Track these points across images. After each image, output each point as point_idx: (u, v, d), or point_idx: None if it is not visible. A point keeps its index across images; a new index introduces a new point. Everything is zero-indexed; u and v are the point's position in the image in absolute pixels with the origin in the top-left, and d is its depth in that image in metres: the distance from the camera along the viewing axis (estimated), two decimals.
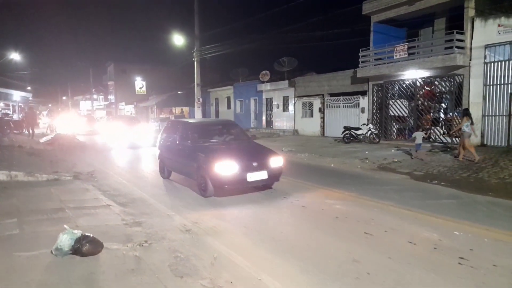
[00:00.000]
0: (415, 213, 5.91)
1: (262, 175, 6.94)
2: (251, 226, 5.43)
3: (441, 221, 5.49)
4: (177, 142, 8.35)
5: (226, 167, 6.65)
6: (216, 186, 6.83)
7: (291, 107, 23.49)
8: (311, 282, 3.68)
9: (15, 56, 31.42)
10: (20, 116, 30.12)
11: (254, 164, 6.91)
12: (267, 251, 4.48)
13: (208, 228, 5.31)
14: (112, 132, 18.20)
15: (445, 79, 14.60)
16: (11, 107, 35.68)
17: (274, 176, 7.25)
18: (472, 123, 10.56)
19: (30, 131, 20.00)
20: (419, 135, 11.74)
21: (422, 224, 5.35)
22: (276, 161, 7.27)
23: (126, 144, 16.95)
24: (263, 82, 25.67)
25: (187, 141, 7.89)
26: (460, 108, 13.95)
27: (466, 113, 10.80)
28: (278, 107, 24.87)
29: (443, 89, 14.97)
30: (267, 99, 26.17)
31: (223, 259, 4.16)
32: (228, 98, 31.45)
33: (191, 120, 9.46)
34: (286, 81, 23.38)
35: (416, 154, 11.53)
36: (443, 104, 15.38)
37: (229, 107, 31.51)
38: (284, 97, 24.22)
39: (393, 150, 13.13)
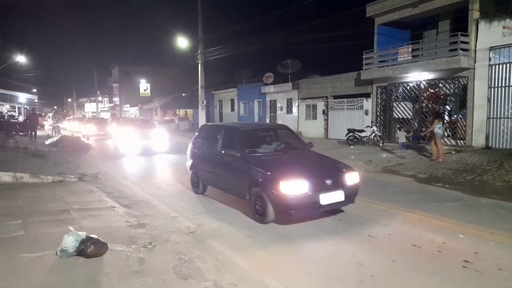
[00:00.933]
0: (419, 215, 5.89)
1: (338, 196, 5.43)
2: (255, 229, 5.43)
3: (445, 224, 5.46)
4: (218, 151, 6.79)
5: (293, 187, 5.12)
6: (279, 211, 5.35)
7: (294, 109, 23.49)
8: (314, 285, 3.67)
9: (20, 59, 31.67)
10: (24, 118, 30.34)
11: (328, 181, 5.41)
12: (271, 254, 4.48)
13: (211, 230, 5.31)
14: (124, 137, 15.45)
15: (449, 81, 14.54)
16: (16, 109, 35.96)
17: (350, 197, 5.69)
18: (443, 125, 11.43)
19: (33, 133, 19.32)
20: (401, 135, 12.36)
21: (426, 227, 5.33)
22: (352, 177, 5.78)
23: (139, 149, 15.08)
24: (266, 84, 25.69)
25: (232, 151, 6.35)
26: (464, 111, 13.89)
27: (437, 116, 11.67)
28: (281, 109, 24.87)
29: (448, 91, 14.91)
30: (270, 101, 26.18)
31: (226, 261, 4.16)
32: (232, 100, 31.50)
33: (235, 124, 7.95)
34: (290, 83, 23.39)
35: (399, 153, 12.27)
36: (447, 107, 15.31)
37: (233, 109, 31.56)
38: (287, 99, 24.23)
39: (397, 152, 13.09)
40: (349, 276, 3.84)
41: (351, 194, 5.69)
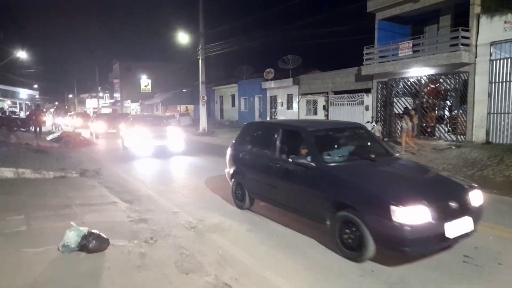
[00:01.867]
0: None
1: (466, 224, 3.92)
2: (256, 223, 5.46)
3: None
4: (277, 156, 5.33)
5: (412, 212, 3.60)
6: (386, 246, 3.83)
7: (295, 105, 23.48)
8: (315, 279, 3.71)
9: (22, 54, 31.63)
10: (26, 114, 30.35)
11: (453, 204, 3.91)
12: (272, 248, 4.51)
13: (213, 225, 5.34)
14: (135, 137, 13.28)
15: (450, 77, 14.51)
16: (18, 105, 35.96)
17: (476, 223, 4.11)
18: (411, 120, 12.32)
19: (38, 129, 18.45)
20: (377, 129, 12.59)
21: None
22: (477, 197, 4.23)
23: (152, 151, 13.19)
24: (267, 80, 25.66)
25: (302, 158, 4.77)
26: (465, 106, 13.88)
27: (407, 112, 12.71)
28: (282, 105, 24.86)
29: (448, 87, 14.88)
30: (271, 96, 26.16)
31: (228, 256, 4.19)
32: (233, 96, 31.48)
33: (298, 123, 6.23)
34: (290, 79, 23.36)
35: None
36: (448, 102, 15.30)
37: (233, 105, 31.55)
38: (288, 94, 24.21)
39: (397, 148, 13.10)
40: (350, 269, 3.87)
41: (478, 221, 4.16)
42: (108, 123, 21.29)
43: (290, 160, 4.98)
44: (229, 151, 6.71)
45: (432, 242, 3.77)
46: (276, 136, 5.52)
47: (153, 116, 18.38)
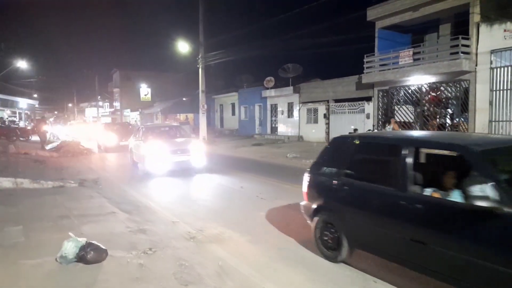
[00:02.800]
0: None
1: None
2: (256, 234, 5.37)
3: None
4: (409, 191, 3.50)
5: None
6: None
7: (295, 113, 23.47)
8: None
9: (21, 64, 31.76)
10: (26, 124, 30.39)
11: None
12: (272, 260, 4.42)
13: (212, 236, 5.26)
14: (150, 152, 10.76)
15: (451, 85, 14.51)
16: (17, 115, 36.02)
17: None
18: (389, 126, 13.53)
19: (42, 140, 17.72)
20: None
21: None
22: None
23: (170, 167, 10.75)
24: (267, 88, 25.70)
25: (482, 199, 2.97)
26: (466, 114, 13.84)
27: (387, 120, 14.15)
28: (282, 113, 24.85)
29: (449, 95, 14.86)
30: (271, 105, 26.18)
31: (227, 267, 4.11)
32: (233, 105, 31.52)
33: (443, 138, 4.18)
34: (291, 87, 23.39)
35: None
36: (449, 110, 15.26)
37: (233, 113, 31.56)
38: (288, 103, 24.22)
39: None
40: (355, 281, 3.78)
41: None
42: (120, 134, 18.20)
43: (423, 193, 3.54)
44: (306, 176, 4.87)
45: None
46: (399, 158, 3.68)
47: (169, 126, 15.38)
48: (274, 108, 26.00)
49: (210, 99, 32.16)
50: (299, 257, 4.46)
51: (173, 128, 14.17)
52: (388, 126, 13.17)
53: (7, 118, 30.19)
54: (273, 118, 26.17)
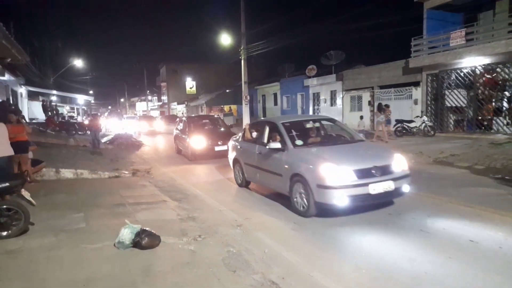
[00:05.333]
0: (477, 209, 5.55)
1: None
2: (301, 223, 5.43)
3: (507, 219, 5.09)
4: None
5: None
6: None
7: (339, 101, 22.98)
8: (364, 280, 3.61)
9: (77, 62, 33.85)
10: (83, 118, 32.35)
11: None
12: (317, 248, 4.46)
13: (258, 224, 5.38)
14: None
15: (508, 65, 13.47)
16: (75, 110, 38.50)
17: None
18: (385, 115, 14.37)
19: (95, 140, 15.32)
20: (361, 123, 17.01)
21: (484, 222, 5.01)
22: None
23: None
24: (309, 77, 25.35)
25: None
26: None
27: (379, 109, 14.62)
28: (325, 102, 24.44)
29: (507, 76, 13.83)
30: (314, 94, 25.82)
31: (273, 255, 4.21)
32: (275, 95, 31.46)
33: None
34: (334, 75, 22.90)
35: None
36: (506, 93, 14.21)
37: (275, 103, 31.52)
38: (331, 91, 23.75)
39: (451, 143, 12.40)
40: (399, 272, 3.73)
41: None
42: (212, 134, 12.50)
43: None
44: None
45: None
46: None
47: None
48: (316, 96, 25.63)
49: (252, 90, 32.31)
50: (338, 243, 4.48)
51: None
52: (382, 115, 14.27)
53: (67, 114, 32.31)
54: (316, 107, 25.82)
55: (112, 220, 5.43)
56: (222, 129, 13.69)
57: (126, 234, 4.34)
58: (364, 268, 3.84)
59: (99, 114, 32.02)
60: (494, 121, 14.11)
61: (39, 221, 5.30)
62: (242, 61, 21.29)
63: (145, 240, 4.30)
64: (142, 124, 29.55)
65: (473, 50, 13.85)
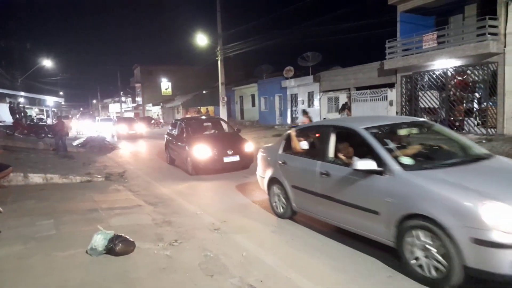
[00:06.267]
0: None
1: None
2: (279, 225, 5.39)
3: None
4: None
5: None
6: None
7: (316, 102, 23.23)
8: (342, 280, 3.61)
9: (47, 63, 32.73)
10: (53, 121, 31.32)
11: None
12: (297, 249, 4.43)
13: (236, 227, 5.31)
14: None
15: (478, 68, 13.97)
16: (44, 112, 37.24)
17: None
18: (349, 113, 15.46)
19: (60, 142, 14.48)
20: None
21: None
22: None
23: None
24: (287, 78, 25.52)
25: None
26: (495, 98, 13.33)
27: (343, 108, 15.82)
28: (303, 103, 24.65)
29: (476, 78, 14.33)
30: (291, 95, 26.00)
31: (252, 258, 4.15)
32: (253, 96, 31.49)
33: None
34: (311, 76, 23.13)
35: None
36: (476, 94, 14.73)
37: (253, 104, 31.56)
38: (309, 92, 23.99)
39: None
40: (378, 271, 3.75)
41: None
42: (218, 141, 9.89)
43: None
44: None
45: None
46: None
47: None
48: (294, 98, 25.83)
49: (230, 91, 32.24)
50: (320, 245, 4.48)
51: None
52: (342, 113, 15.25)
53: (35, 116, 31.24)
54: (294, 108, 26.01)
55: (85, 226, 5.23)
56: (229, 134, 11.12)
57: (99, 240, 4.19)
58: (342, 268, 3.83)
59: (70, 116, 31.07)
60: (465, 122, 14.59)
61: (7, 228, 5.07)
62: (219, 62, 21.19)
63: (119, 246, 4.15)
64: (120, 127, 25.48)
65: (444, 53, 14.28)
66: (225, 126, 12.36)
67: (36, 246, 4.51)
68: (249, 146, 9.85)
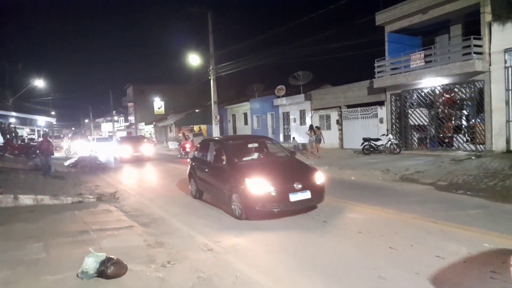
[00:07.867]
0: (441, 225, 5.73)
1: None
2: (272, 244, 5.37)
3: (469, 233, 5.30)
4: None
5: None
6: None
7: (308, 120, 23.44)
8: None
9: (38, 83, 32.67)
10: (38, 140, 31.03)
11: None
12: (290, 269, 4.41)
13: (229, 247, 5.28)
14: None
15: (465, 86, 14.31)
16: (36, 132, 36.95)
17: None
18: (315, 134, 16.86)
19: (46, 164, 13.68)
20: (294, 142, 20.26)
21: (449, 237, 5.18)
22: (318, 177, 7.10)
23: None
24: (279, 97, 25.77)
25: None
26: (482, 115, 13.61)
27: (311, 128, 17.24)
28: (295, 121, 24.85)
29: (464, 96, 14.66)
30: (283, 113, 26.22)
31: (245, 278, 4.12)
32: (245, 114, 31.67)
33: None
34: (302, 95, 23.41)
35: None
36: (464, 111, 15.03)
37: (246, 123, 31.71)
38: (300, 110, 24.23)
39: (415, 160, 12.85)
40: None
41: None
42: (279, 171, 7.20)
43: None
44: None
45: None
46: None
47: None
48: (286, 116, 26.03)
49: (223, 110, 32.40)
50: (310, 262, 4.45)
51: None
52: (308, 132, 17.41)
53: (26, 136, 30.95)
54: (286, 126, 26.18)
55: (75, 248, 5.15)
56: (287, 160, 8.06)
57: (90, 263, 4.13)
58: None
59: (61, 135, 30.71)
60: (454, 138, 14.81)
61: None
62: (211, 81, 21.39)
63: (110, 269, 4.09)
64: (124, 148, 21.07)
65: (431, 71, 14.62)
66: (270, 146, 9.05)
67: (25, 270, 4.42)
68: (319, 177, 7.13)
